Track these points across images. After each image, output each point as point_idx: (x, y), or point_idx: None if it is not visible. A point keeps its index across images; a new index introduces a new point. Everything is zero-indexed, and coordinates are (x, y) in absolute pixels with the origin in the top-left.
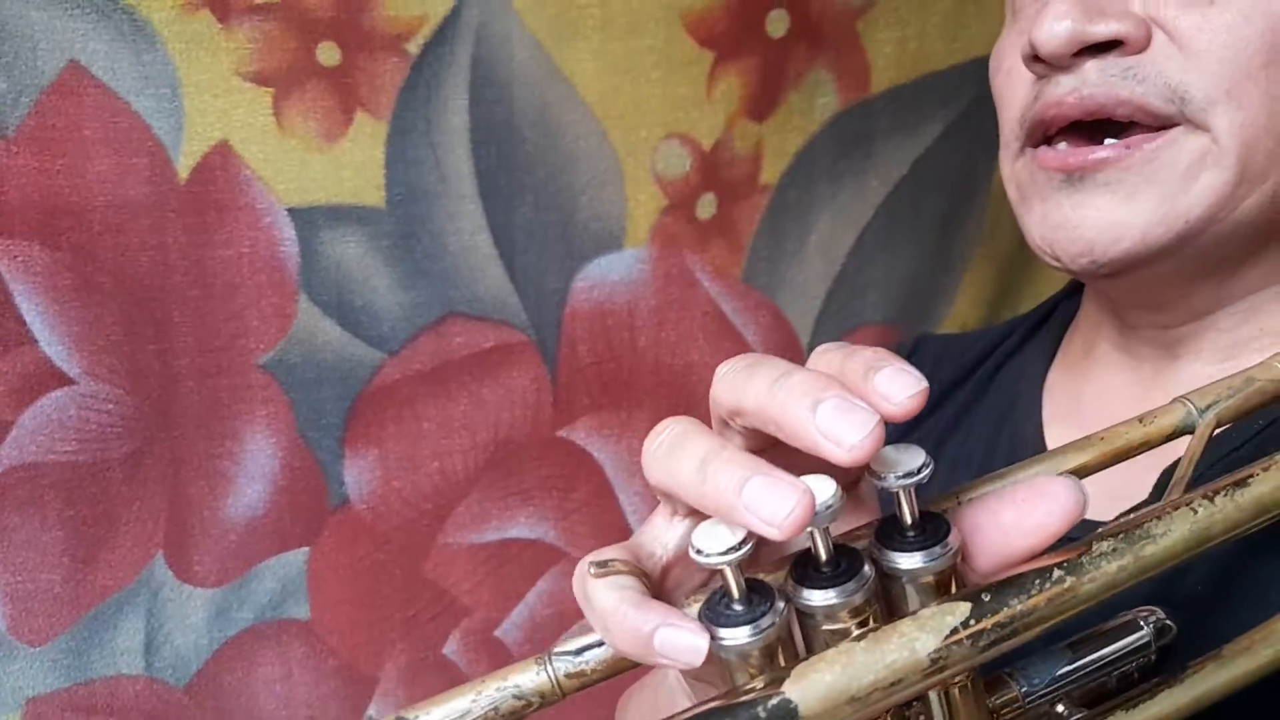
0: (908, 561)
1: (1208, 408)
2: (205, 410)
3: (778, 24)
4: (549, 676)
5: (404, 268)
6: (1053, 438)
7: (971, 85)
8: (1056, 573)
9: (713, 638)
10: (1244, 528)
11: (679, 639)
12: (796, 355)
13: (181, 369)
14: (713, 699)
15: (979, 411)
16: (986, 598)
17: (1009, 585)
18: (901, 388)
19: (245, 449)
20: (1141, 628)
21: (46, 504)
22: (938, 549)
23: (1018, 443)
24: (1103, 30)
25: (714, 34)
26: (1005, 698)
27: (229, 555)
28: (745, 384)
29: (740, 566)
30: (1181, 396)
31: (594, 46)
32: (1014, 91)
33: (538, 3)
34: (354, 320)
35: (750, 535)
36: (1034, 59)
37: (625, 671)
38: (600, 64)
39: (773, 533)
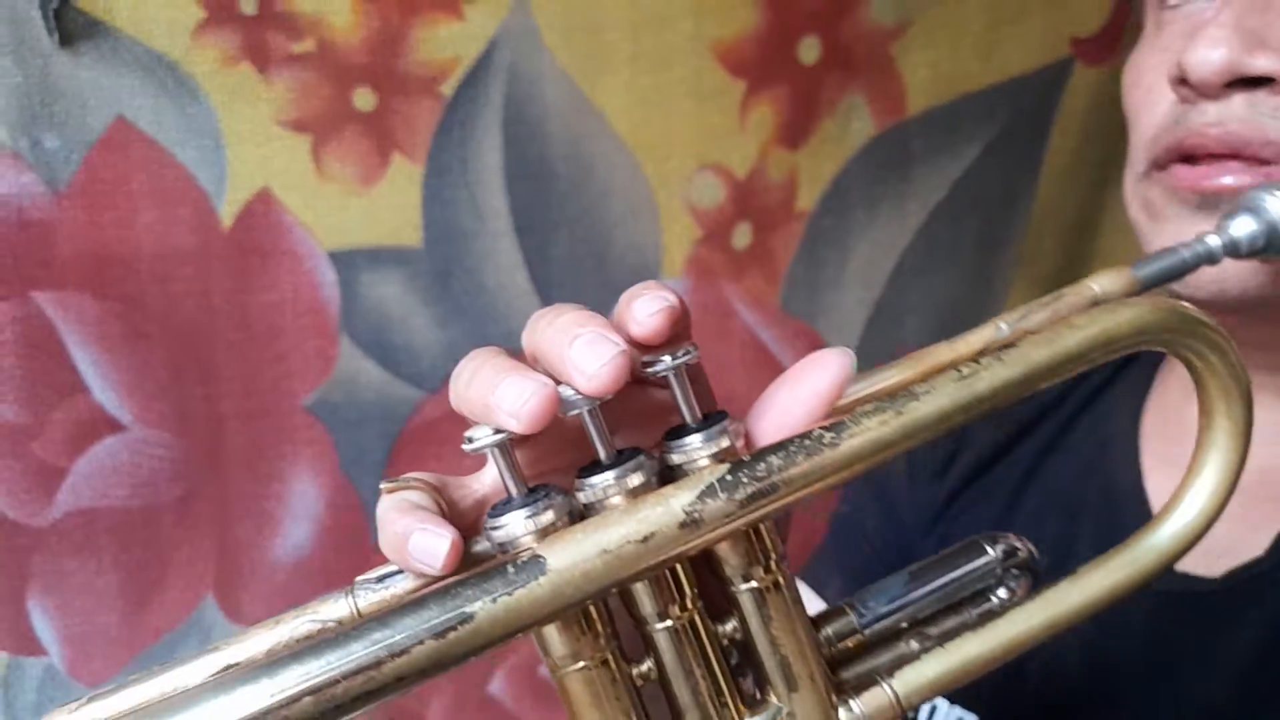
0: (684, 444)
1: (1016, 323)
2: (251, 452)
3: (809, 51)
4: (349, 605)
5: (442, 306)
6: (1154, 488)
7: (1008, 105)
8: (818, 432)
9: (491, 529)
10: (1013, 388)
11: (424, 540)
12: None
13: (227, 412)
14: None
15: (1063, 452)
16: (747, 458)
17: (772, 447)
18: (645, 307)
19: (291, 490)
20: (987, 552)
21: (101, 548)
22: (714, 430)
23: (1115, 494)
24: (1261, 65)
25: (745, 63)
26: (843, 626)
27: (277, 595)
28: (533, 327)
29: (509, 454)
30: (996, 318)
31: (625, 80)
32: (1152, 111)
33: (568, 40)
34: (394, 360)
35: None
36: (1181, 82)
37: None
38: (631, 97)
39: (513, 424)
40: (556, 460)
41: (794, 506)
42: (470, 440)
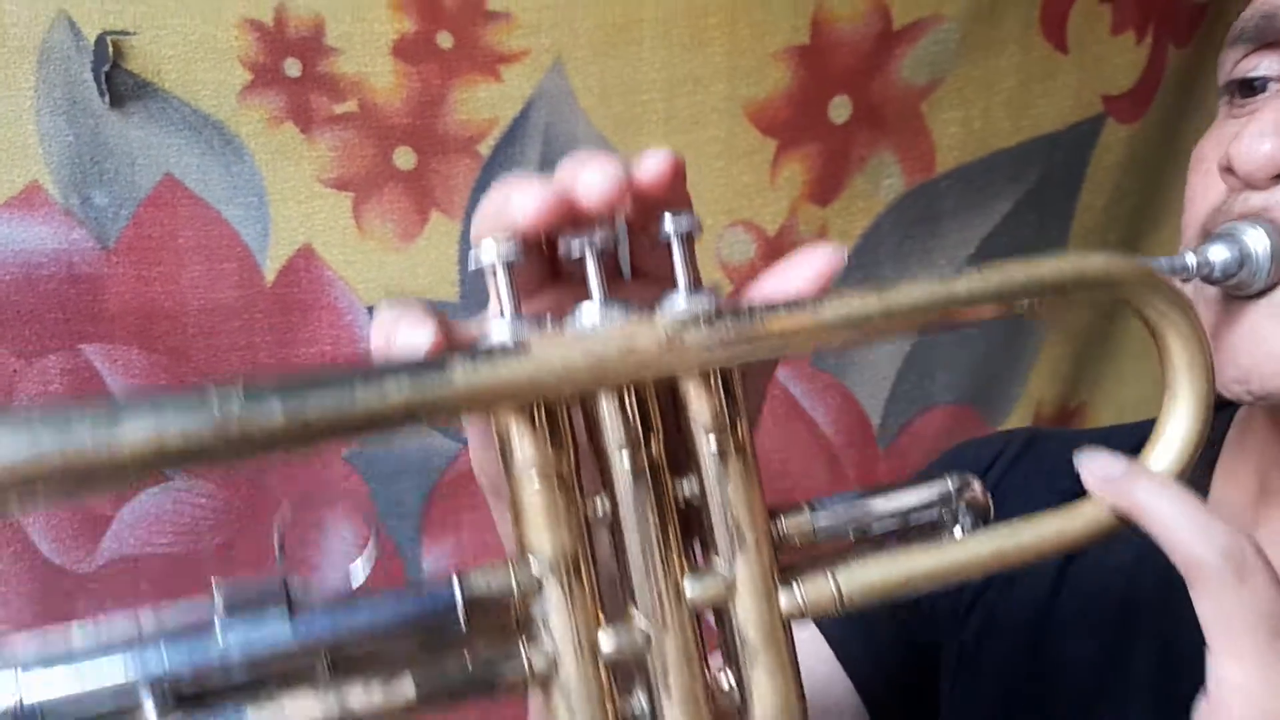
0: (671, 300)
1: None
2: (291, 501)
3: (840, 110)
4: None
5: None
6: None
7: (1040, 162)
8: (803, 298)
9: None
10: (988, 297)
11: (407, 326)
12: (868, 437)
13: (268, 463)
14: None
15: (1113, 543)
16: (732, 305)
17: (761, 305)
18: (651, 156)
19: (329, 539)
20: (944, 480)
21: (143, 594)
22: (702, 293)
23: (1174, 602)
24: None
25: (776, 122)
26: (797, 522)
27: None
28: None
29: (510, 276)
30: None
31: (658, 140)
32: (1206, 192)
33: (603, 101)
34: None
35: (517, 241)
36: (1229, 171)
37: None
38: None
39: (526, 205)
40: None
41: (772, 355)
42: (477, 258)
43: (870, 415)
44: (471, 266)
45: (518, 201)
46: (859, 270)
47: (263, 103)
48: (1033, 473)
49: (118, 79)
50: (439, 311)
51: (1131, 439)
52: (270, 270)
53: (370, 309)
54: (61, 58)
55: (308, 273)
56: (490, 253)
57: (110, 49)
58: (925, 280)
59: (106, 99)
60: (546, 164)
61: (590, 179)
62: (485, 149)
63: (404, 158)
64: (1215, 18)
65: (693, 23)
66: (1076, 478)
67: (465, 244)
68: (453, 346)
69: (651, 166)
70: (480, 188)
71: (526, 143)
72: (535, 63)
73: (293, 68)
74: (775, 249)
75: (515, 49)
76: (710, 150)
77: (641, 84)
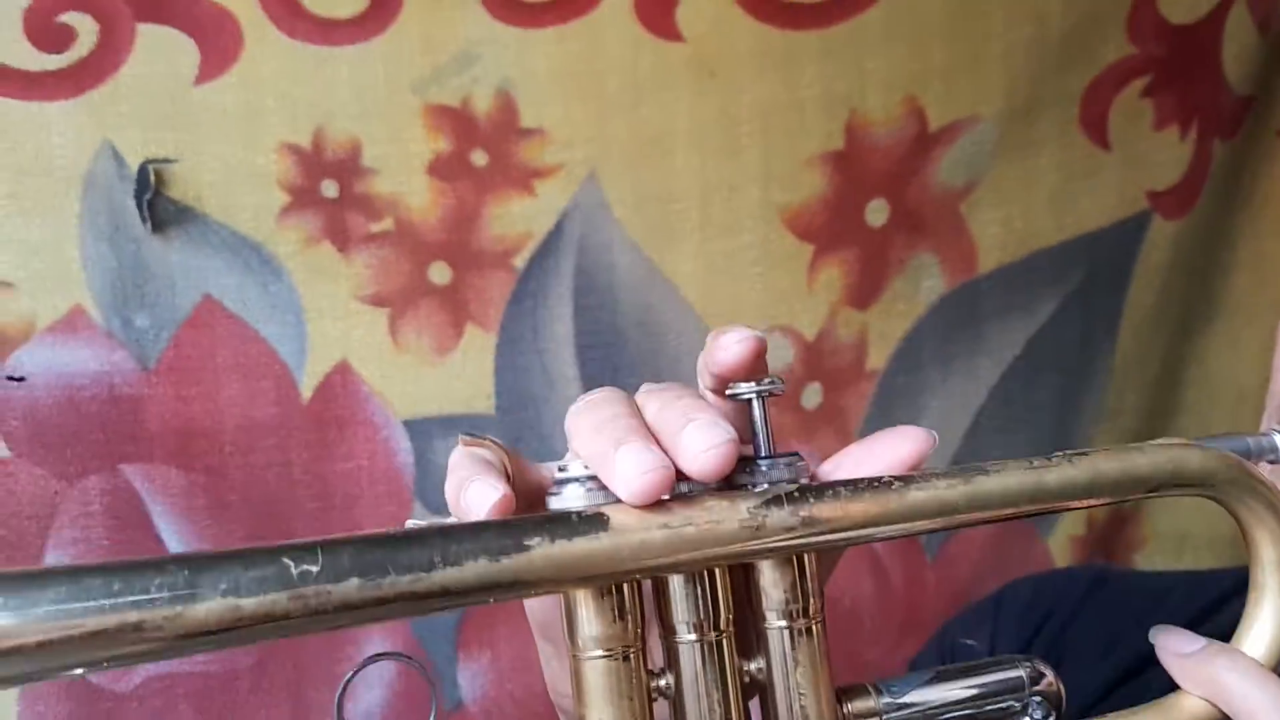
0: (753, 467)
1: None
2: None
3: (877, 213)
4: None
5: None
6: None
7: (1084, 260)
8: (887, 478)
9: (551, 494)
10: (1078, 491)
11: (478, 488)
12: (914, 545)
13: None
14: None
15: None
16: (815, 485)
17: (840, 481)
18: (732, 336)
19: (363, 654)
20: (1015, 667)
21: (180, 713)
22: (782, 462)
23: None
24: None
25: (813, 228)
26: (862, 706)
27: None
28: (649, 399)
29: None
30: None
31: (693, 248)
32: None
33: (637, 210)
34: None
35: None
36: None
37: None
38: (700, 264)
39: (624, 493)
40: None
41: (852, 542)
42: (563, 469)
43: None
44: (558, 474)
45: (626, 471)
46: (902, 375)
47: (300, 223)
48: (1098, 623)
49: (159, 205)
50: (512, 455)
51: (1203, 591)
52: (307, 387)
53: (406, 424)
54: (105, 185)
55: (344, 389)
56: (578, 470)
57: (152, 176)
58: (1015, 469)
59: (148, 225)
60: (581, 274)
61: (697, 444)
62: (520, 262)
63: (439, 273)
64: (1261, 110)
65: (726, 130)
66: (1143, 635)
67: (500, 356)
68: (523, 491)
69: (735, 349)
70: (515, 300)
71: (561, 255)
72: (569, 176)
73: (330, 189)
74: (814, 354)
75: (549, 164)
76: (746, 256)
77: (676, 192)
